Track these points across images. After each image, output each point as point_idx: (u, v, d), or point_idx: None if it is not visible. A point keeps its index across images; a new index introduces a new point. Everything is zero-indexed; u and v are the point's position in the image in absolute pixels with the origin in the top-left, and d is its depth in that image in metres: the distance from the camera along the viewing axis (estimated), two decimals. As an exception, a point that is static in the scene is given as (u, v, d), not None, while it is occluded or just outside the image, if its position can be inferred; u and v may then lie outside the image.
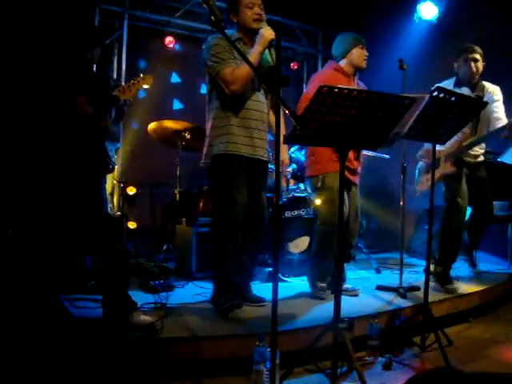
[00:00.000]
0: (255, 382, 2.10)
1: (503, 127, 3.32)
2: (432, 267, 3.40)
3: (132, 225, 5.08)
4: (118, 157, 4.81)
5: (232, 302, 2.77)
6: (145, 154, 5.30)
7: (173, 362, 2.29)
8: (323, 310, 2.90)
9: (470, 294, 3.45)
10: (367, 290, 3.47)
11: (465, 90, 3.44)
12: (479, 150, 3.64)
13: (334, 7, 5.81)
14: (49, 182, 2.69)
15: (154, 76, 2.76)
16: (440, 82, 3.54)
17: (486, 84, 3.53)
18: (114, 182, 4.70)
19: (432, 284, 3.36)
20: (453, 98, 2.54)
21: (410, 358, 2.65)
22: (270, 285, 1.97)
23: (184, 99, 6.07)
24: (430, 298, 2.83)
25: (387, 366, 2.50)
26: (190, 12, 5.65)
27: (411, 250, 5.30)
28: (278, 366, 1.99)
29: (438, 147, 2.98)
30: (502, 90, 3.58)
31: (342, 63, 3.28)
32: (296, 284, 3.63)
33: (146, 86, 2.72)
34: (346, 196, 3.13)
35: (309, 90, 3.28)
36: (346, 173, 2.91)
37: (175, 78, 6.09)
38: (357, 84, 3.33)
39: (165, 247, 4.28)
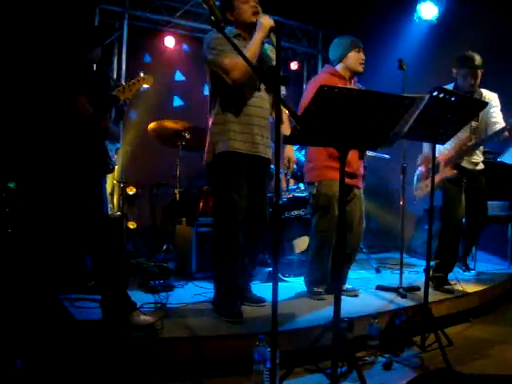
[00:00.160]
0: (255, 382, 2.10)
1: (503, 129, 3.34)
2: (430, 273, 3.41)
3: (132, 225, 5.08)
4: (118, 157, 4.81)
5: (233, 310, 2.71)
6: (145, 154, 5.31)
7: (173, 362, 2.29)
8: (323, 310, 2.91)
9: (470, 293, 3.45)
10: (367, 290, 3.48)
11: None
12: (479, 158, 3.64)
13: (334, 7, 5.81)
14: (49, 181, 2.69)
15: (153, 76, 2.76)
16: (439, 84, 3.54)
17: (484, 91, 3.55)
18: (114, 181, 4.70)
19: (431, 285, 3.37)
20: (453, 98, 2.54)
21: (410, 357, 2.65)
22: (270, 285, 1.97)
23: (185, 97, 6.09)
24: (430, 298, 2.83)
25: (387, 366, 2.50)
26: (190, 12, 5.66)
27: (411, 250, 5.30)
28: (278, 366, 1.99)
29: (437, 153, 2.98)
30: (501, 90, 3.59)
31: (339, 67, 3.27)
32: (296, 284, 3.63)
33: (146, 86, 2.71)
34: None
35: (305, 95, 3.27)
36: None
37: (179, 77, 6.11)
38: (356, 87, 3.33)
39: (165, 247, 4.28)
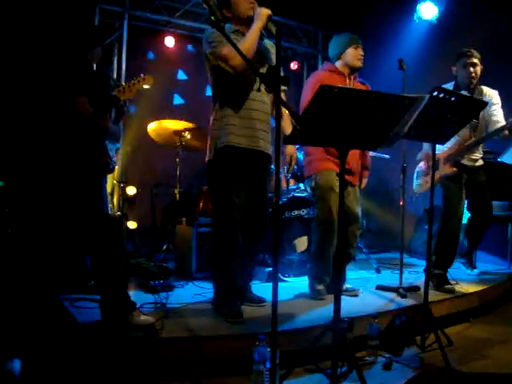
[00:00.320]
0: (255, 381, 2.10)
1: (503, 127, 3.35)
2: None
3: (132, 225, 5.09)
4: (118, 157, 4.81)
5: (233, 310, 2.71)
6: (145, 154, 5.31)
7: (173, 362, 2.29)
8: (323, 310, 2.91)
9: (470, 293, 3.45)
10: (367, 289, 3.48)
11: None
12: (478, 155, 3.65)
13: (334, 7, 5.82)
14: (49, 181, 2.68)
15: (155, 73, 2.76)
16: (439, 84, 3.54)
17: (485, 88, 3.55)
18: (114, 181, 4.69)
19: (431, 284, 3.37)
20: (453, 98, 2.54)
21: (410, 357, 2.65)
22: (270, 285, 1.97)
23: (186, 96, 6.09)
24: (430, 298, 2.83)
25: (387, 366, 2.50)
26: (190, 12, 5.66)
27: (411, 250, 5.30)
28: (278, 366, 1.99)
29: (437, 150, 2.98)
30: (501, 90, 3.59)
31: (338, 64, 3.30)
32: (296, 284, 3.63)
33: (146, 86, 2.71)
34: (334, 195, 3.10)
35: (305, 91, 3.28)
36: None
37: (181, 75, 6.12)
38: (357, 83, 3.34)
39: (165, 247, 4.28)
